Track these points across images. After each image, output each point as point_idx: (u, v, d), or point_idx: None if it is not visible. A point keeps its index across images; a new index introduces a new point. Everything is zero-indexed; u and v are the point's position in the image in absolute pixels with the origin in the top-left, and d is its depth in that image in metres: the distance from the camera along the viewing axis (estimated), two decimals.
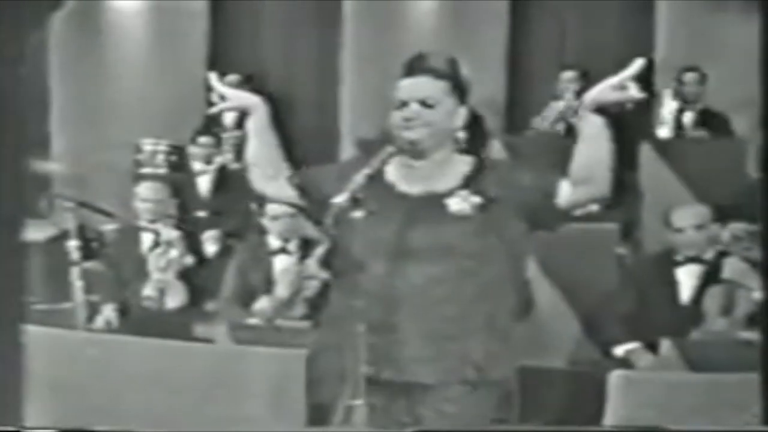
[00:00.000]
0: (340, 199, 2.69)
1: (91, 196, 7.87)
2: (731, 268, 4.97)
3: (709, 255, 5.04)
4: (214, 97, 3.09)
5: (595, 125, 2.83)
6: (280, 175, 3.06)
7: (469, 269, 2.84)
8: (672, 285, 5.02)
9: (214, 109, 3.10)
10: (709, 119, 7.77)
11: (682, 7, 8.48)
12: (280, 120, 9.23)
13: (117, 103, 8.88)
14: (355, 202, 2.71)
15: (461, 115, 2.95)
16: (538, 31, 9.13)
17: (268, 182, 3.05)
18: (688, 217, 5.07)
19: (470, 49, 8.52)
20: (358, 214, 2.74)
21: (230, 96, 3.07)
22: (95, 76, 8.91)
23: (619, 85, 2.82)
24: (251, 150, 3.04)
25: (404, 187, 2.93)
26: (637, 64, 2.84)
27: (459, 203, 2.87)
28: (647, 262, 5.45)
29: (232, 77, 8.54)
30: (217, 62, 8.92)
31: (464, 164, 2.95)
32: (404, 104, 2.91)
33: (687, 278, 5.01)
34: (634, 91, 2.85)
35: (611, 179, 2.86)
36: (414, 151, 2.92)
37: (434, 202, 2.89)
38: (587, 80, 7.89)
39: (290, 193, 3.05)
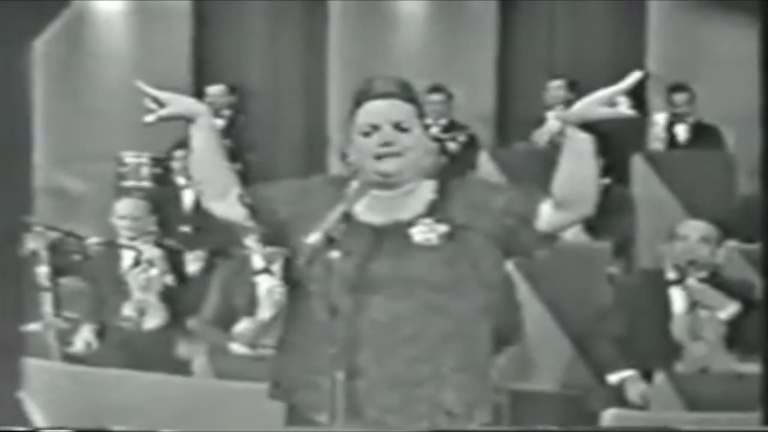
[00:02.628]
0: (313, 239, 2.46)
1: (75, 208, 8.04)
2: (691, 291, 4.85)
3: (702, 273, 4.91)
4: (149, 104, 2.71)
5: (580, 142, 2.58)
6: (229, 192, 2.77)
7: (438, 304, 2.59)
8: (665, 306, 4.88)
9: (149, 118, 2.71)
10: (702, 132, 7.69)
11: (673, 19, 8.39)
12: (266, 130, 9.26)
13: (100, 114, 8.76)
14: (330, 241, 2.47)
15: (430, 141, 2.75)
16: (528, 41, 9.05)
17: (215, 200, 2.76)
18: (696, 228, 4.96)
19: (459, 59, 8.65)
20: (334, 254, 2.49)
21: (168, 101, 2.71)
22: (78, 87, 8.84)
23: (608, 100, 2.54)
24: (196, 163, 2.77)
25: (367, 216, 2.68)
26: (632, 78, 2.54)
27: (423, 233, 2.63)
28: (639, 281, 5.33)
29: (218, 87, 8.52)
30: (202, 72, 8.95)
31: (428, 190, 2.71)
32: (375, 128, 2.65)
33: (679, 298, 4.88)
34: (625, 108, 2.55)
35: (596, 199, 2.64)
36: (385, 184, 2.70)
37: (398, 232, 2.64)
38: (576, 90, 7.88)
39: (240, 213, 2.76)
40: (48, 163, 8.55)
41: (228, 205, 2.77)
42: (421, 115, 2.74)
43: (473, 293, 2.65)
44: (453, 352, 2.61)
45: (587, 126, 2.58)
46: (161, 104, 2.73)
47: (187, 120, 2.75)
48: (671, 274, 4.91)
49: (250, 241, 5.49)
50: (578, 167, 2.60)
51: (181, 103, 2.76)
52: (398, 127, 2.68)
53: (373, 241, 2.64)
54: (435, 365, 2.60)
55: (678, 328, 4.79)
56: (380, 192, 2.71)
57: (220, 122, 8.22)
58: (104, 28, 9.07)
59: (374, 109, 2.69)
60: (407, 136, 2.68)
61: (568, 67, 8.64)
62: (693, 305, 4.82)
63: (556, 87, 8.15)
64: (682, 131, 7.72)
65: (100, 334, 5.64)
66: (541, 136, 8.02)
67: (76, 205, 8.33)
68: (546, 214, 2.66)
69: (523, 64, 8.99)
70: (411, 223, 2.67)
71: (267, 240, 2.84)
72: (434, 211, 2.68)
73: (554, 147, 7.55)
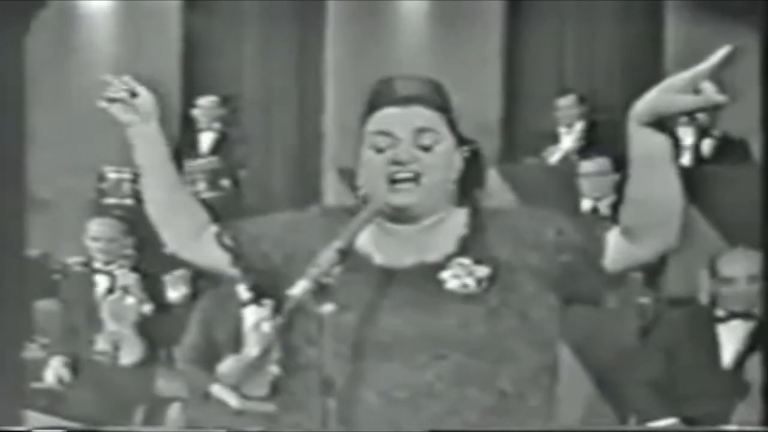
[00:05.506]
0: (298, 290, 1.89)
1: (60, 223, 7.85)
2: (746, 330, 4.39)
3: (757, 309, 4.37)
4: (113, 92, 2.20)
5: (654, 147, 2.00)
6: (203, 231, 2.21)
7: (477, 372, 2.04)
8: (711, 345, 4.34)
9: (103, 103, 2.18)
10: (728, 146, 7.26)
11: (690, 27, 7.96)
12: (259, 144, 8.93)
13: (87, 126, 8.41)
14: (321, 289, 1.90)
15: (459, 157, 2.15)
16: (537, 47, 8.75)
17: (185, 242, 2.19)
18: (740, 265, 4.39)
19: (463, 66, 8.29)
20: (327, 308, 1.91)
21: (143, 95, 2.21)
22: (64, 96, 8.47)
23: (690, 86, 1.95)
24: (153, 202, 2.19)
25: (379, 256, 2.12)
26: (720, 54, 1.95)
27: (458, 278, 2.07)
28: (680, 316, 4.79)
29: (209, 99, 8.33)
30: (192, 75, 8.85)
31: (458, 220, 2.15)
32: (390, 141, 2.11)
33: (730, 337, 4.33)
34: (712, 93, 1.96)
35: (680, 224, 2.04)
36: (402, 218, 2.13)
37: (425, 277, 2.09)
38: (586, 105, 7.55)
39: (220, 258, 2.20)
40: (31, 175, 8.21)
41: (203, 248, 2.20)
42: (452, 124, 2.16)
43: (523, 357, 2.07)
44: None
45: (658, 124, 1.99)
46: (135, 95, 2.20)
47: (140, 119, 2.19)
48: (720, 312, 4.37)
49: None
50: (654, 182, 2.01)
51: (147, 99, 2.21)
52: (420, 142, 2.11)
53: (386, 289, 2.07)
54: None
55: (753, 368, 4.27)
56: (396, 225, 2.13)
57: (210, 136, 8.09)
58: (90, 28, 8.90)
59: (390, 118, 2.12)
60: (430, 156, 2.10)
61: (580, 75, 8.37)
62: (752, 346, 4.28)
63: (566, 104, 7.71)
64: (707, 146, 7.28)
65: (73, 367, 5.32)
66: (553, 154, 7.57)
67: (60, 220, 8.00)
68: (614, 249, 2.08)
69: (532, 72, 8.68)
70: (441, 266, 2.08)
71: (257, 289, 2.28)
72: (468, 248, 2.10)
73: (569, 164, 7.16)
